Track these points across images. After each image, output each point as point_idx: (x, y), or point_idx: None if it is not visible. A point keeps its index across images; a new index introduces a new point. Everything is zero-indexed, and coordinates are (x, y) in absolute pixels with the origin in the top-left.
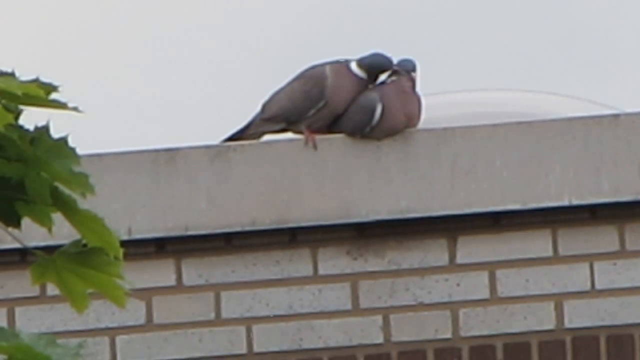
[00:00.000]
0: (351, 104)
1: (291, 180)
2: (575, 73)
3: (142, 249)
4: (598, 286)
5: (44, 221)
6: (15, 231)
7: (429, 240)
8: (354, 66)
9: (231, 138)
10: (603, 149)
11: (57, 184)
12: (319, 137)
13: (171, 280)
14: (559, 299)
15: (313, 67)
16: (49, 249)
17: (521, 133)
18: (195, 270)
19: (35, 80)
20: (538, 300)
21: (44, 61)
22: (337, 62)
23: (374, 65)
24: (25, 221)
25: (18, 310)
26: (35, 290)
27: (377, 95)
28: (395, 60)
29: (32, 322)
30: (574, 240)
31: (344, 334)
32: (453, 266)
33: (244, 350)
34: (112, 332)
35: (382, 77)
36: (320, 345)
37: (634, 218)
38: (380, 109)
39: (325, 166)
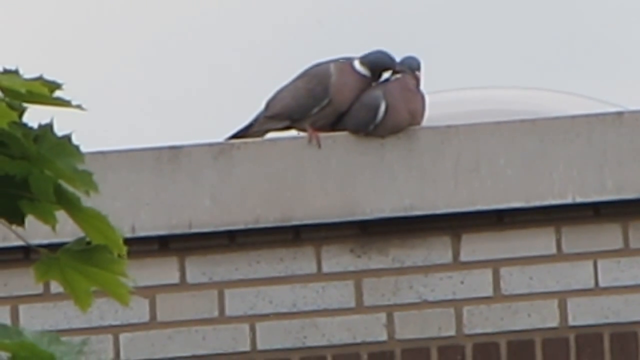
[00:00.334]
0: (355, 101)
1: (295, 178)
2: (579, 71)
3: (145, 246)
4: (602, 284)
5: (48, 219)
6: (19, 229)
7: (432, 238)
8: (357, 64)
9: (235, 136)
10: (607, 147)
11: (60, 181)
12: (322, 135)
13: (175, 278)
14: (562, 297)
15: (317, 65)
16: (53, 247)
17: (525, 131)
18: (198, 268)
19: (39, 78)
20: (542, 297)
21: (47, 59)
22: (341, 60)
23: (377, 63)
24: (29, 219)
25: (22, 308)
26: (38, 288)
27: (380, 93)
28: (399, 58)
29: (35, 320)
30: (577, 238)
31: (347, 332)
32: (457, 264)
33: (247, 348)
34: (115, 329)
35: (386, 75)
36: (324, 343)
37: (638, 216)
38: (384, 107)
39: (328, 164)
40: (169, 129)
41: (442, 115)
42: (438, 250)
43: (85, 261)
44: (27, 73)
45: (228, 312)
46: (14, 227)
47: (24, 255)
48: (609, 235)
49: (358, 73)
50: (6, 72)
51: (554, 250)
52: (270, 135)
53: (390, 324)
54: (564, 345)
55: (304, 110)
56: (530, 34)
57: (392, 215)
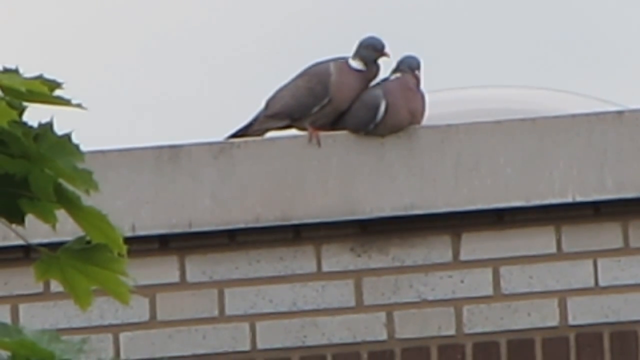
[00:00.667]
0: (355, 100)
1: (295, 177)
2: (579, 70)
3: (145, 245)
4: (602, 283)
5: (48, 218)
6: (19, 228)
7: (432, 237)
8: (351, 61)
9: (235, 135)
10: (607, 146)
11: (61, 180)
12: (322, 134)
13: (175, 277)
14: (562, 296)
15: (317, 64)
16: (53, 246)
17: (525, 130)
18: (198, 267)
19: (39, 77)
20: (542, 297)
21: (47, 57)
22: (341, 59)
23: (366, 47)
24: (29, 218)
25: (22, 307)
26: (39, 287)
27: (381, 92)
28: (399, 57)
29: (35, 319)
30: (577, 237)
31: (347, 331)
32: (457, 263)
33: (247, 347)
34: (115, 329)
35: (380, 61)
36: (324, 342)
37: (638, 215)
38: (384, 106)
39: (329, 163)
40: (169, 128)
41: (442, 115)
42: (438, 249)
43: (85, 260)
44: (27, 72)
45: (228, 311)
46: (14, 226)
47: (24, 254)
48: (609, 234)
49: (356, 70)
50: (6, 70)
51: (554, 249)
52: (271, 134)
53: (390, 323)
54: (564, 345)
55: (304, 109)
56: (531, 33)
57: (392, 214)
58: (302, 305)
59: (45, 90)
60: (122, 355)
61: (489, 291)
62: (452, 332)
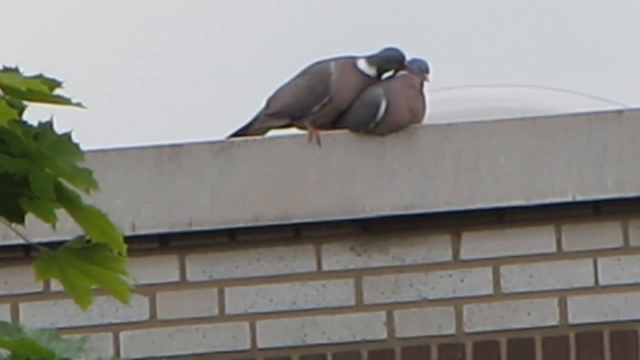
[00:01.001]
0: (355, 99)
1: (295, 176)
2: (579, 69)
3: (145, 244)
4: (602, 282)
5: (48, 217)
6: (19, 227)
7: (432, 236)
8: (361, 64)
9: (235, 134)
10: (607, 145)
11: (60, 179)
12: (323, 133)
13: (175, 276)
14: (562, 295)
15: (318, 63)
16: (53, 245)
17: (525, 129)
18: (199, 266)
19: (39, 76)
20: (542, 296)
21: (47, 57)
22: (343, 58)
23: (389, 60)
24: (29, 217)
25: (22, 306)
26: (39, 286)
27: (381, 91)
28: (409, 59)
29: (35, 318)
30: (577, 236)
31: (347, 330)
32: (457, 262)
33: (247, 346)
34: (115, 328)
35: (395, 72)
36: (324, 341)
37: (638, 214)
38: (385, 105)
39: (329, 162)
40: (169, 127)
41: (442, 114)
42: (438, 248)
43: (85, 259)
44: (27, 71)
45: (228, 310)
46: (14, 225)
47: (24, 253)
48: (609, 234)
49: (360, 72)
50: (6, 70)
51: (554, 249)
52: (271, 133)
53: (390, 322)
54: (564, 344)
55: (304, 108)
56: (531, 32)
57: (392, 214)
58: (302, 304)
59: (45, 90)
60: (122, 354)
61: (489, 290)
62: (452, 331)
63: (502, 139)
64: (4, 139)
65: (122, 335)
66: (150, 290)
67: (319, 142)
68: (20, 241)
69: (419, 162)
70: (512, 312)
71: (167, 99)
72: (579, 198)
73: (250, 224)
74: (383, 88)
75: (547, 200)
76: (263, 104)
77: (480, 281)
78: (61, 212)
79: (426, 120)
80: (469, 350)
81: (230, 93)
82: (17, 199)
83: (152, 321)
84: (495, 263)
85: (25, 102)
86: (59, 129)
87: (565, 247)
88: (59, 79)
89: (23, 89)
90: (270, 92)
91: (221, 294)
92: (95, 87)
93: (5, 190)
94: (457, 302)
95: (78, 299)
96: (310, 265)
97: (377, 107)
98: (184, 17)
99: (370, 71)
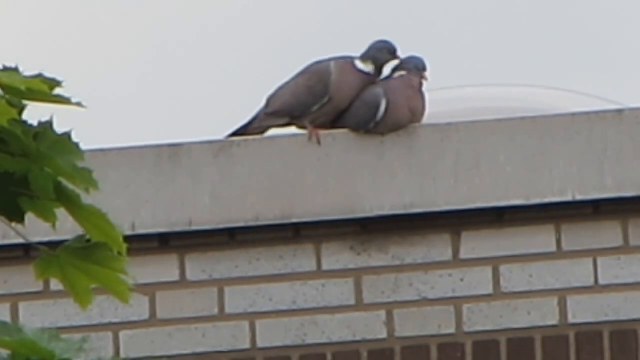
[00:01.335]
0: (355, 99)
1: (295, 175)
2: (579, 68)
3: (145, 244)
4: (602, 281)
5: (48, 216)
6: (19, 226)
7: (432, 235)
8: (358, 63)
9: (235, 133)
10: (607, 144)
11: (60, 179)
12: (322, 133)
13: (175, 276)
14: (562, 295)
15: (317, 63)
16: (53, 245)
17: (525, 128)
18: (198, 266)
19: (39, 76)
20: (542, 295)
21: (47, 56)
22: (342, 58)
23: (380, 51)
24: (29, 216)
25: (22, 306)
26: (39, 286)
27: (381, 91)
28: (405, 57)
29: (35, 317)
30: (577, 236)
31: (347, 329)
32: (457, 261)
33: (247, 346)
34: (115, 327)
35: (389, 66)
36: (324, 340)
37: (638, 213)
38: (385, 104)
39: (329, 161)
40: (168, 127)
41: (442, 113)
42: (438, 247)
43: (85, 259)
44: (27, 70)
45: (228, 309)
46: (14, 224)
47: (24, 252)
48: (609, 233)
49: (359, 71)
50: (6, 69)
51: (553, 248)
52: (271, 133)
53: (390, 321)
54: (564, 343)
55: (304, 108)
56: (531, 31)
57: (392, 213)
58: (302, 303)
59: (45, 89)
60: (122, 353)
61: (489, 290)
62: (452, 330)
63: (502, 139)
64: (4, 138)
65: (122, 334)
66: (150, 289)
67: (318, 142)
68: (20, 241)
69: (418, 162)
70: (512, 311)
71: (167, 98)
72: (579, 197)
73: (250, 224)
74: (383, 88)
75: (547, 200)
76: (263, 103)
77: (480, 281)
78: (61, 212)
79: (426, 119)
80: (468, 349)
81: (230, 92)
82: (17, 198)
83: (152, 321)
84: (495, 262)
85: (25, 102)
86: (59, 128)
87: (565, 246)
88: (58, 78)
89: (23, 88)
90: (270, 91)
91: (221, 293)
92: (95, 87)
93: (5, 190)
94: (457, 302)
95: (78, 298)
96: (310, 265)
97: (377, 107)
98: (184, 16)
99: (368, 68)
